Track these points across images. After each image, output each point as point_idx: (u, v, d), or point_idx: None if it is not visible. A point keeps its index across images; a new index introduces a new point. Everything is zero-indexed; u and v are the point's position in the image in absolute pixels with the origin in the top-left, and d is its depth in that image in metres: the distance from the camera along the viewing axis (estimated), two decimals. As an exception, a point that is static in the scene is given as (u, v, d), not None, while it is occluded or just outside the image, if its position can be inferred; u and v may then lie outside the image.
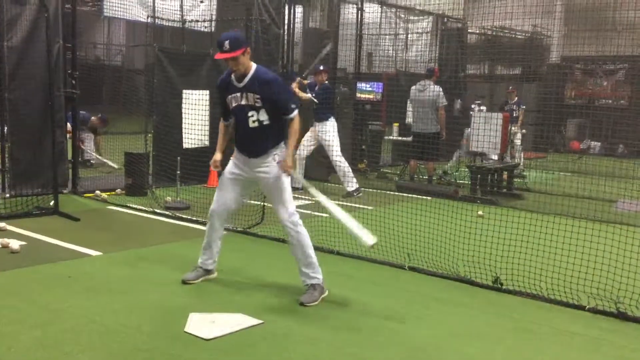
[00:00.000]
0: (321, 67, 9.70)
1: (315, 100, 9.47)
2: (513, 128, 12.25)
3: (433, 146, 10.14)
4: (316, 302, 4.70)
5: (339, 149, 9.51)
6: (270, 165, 4.75)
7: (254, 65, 4.76)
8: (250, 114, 4.72)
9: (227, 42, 4.55)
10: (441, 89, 10.43)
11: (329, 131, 9.48)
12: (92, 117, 11.52)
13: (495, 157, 10.62)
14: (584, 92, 19.31)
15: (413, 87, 10.69)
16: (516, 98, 12.88)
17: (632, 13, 12.37)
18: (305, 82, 9.90)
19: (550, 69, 18.76)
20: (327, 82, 9.76)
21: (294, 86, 9.76)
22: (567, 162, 13.13)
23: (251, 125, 4.74)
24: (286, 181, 4.78)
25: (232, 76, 4.77)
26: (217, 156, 5.05)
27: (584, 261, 5.24)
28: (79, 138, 9.32)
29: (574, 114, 18.01)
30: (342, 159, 9.53)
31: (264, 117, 4.71)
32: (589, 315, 4.75)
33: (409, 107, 11.40)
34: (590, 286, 4.97)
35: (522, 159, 12.69)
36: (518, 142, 12.53)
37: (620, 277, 4.99)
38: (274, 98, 4.68)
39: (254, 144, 4.79)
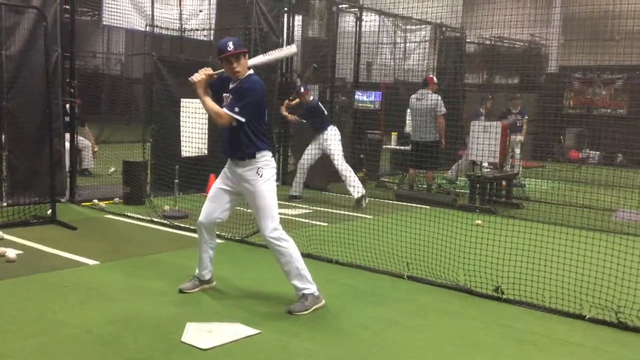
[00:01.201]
0: (302, 89, 9.73)
1: (303, 120, 9.59)
2: (518, 137, 12.25)
3: (432, 155, 10.13)
4: (307, 312, 4.66)
5: (341, 156, 9.49)
6: (255, 179, 4.73)
7: (249, 72, 4.78)
8: None
9: (230, 43, 4.67)
10: (440, 98, 10.43)
11: (330, 139, 9.49)
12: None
13: (486, 165, 10.61)
14: (582, 101, 19.34)
15: (412, 96, 10.70)
16: (519, 107, 12.77)
17: (630, 22, 12.40)
18: (294, 103, 9.89)
19: (549, 79, 18.80)
20: (312, 98, 9.80)
21: (283, 109, 9.80)
22: (566, 172, 13.11)
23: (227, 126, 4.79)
24: (270, 196, 4.74)
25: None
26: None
27: (584, 270, 5.21)
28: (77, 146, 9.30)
29: (573, 123, 18.02)
30: (346, 167, 9.50)
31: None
32: (589, 325, 4.72)
33: (408, 116, 11.40)
34: (593, 295, 4.94)
35: (520, 168, 12.67)
36: (518, 151, 12.49)
37: (620, 286, 4.96)
38: (235, 94, 4.70)
39: (231, 146, 4.78)
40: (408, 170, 11.07)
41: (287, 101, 9.93)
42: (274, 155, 4.97)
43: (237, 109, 4.62)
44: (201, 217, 5.00)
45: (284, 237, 4.74)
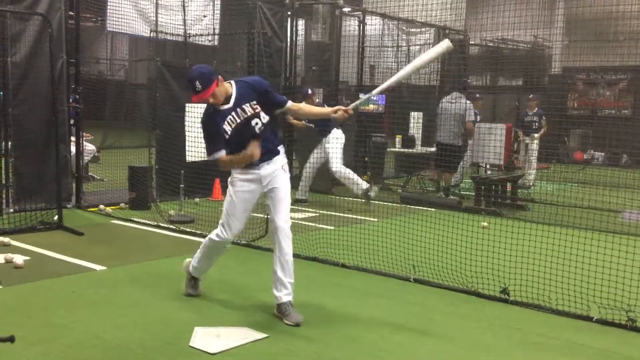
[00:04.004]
0: (309, 91, 9.68)
1: (310, 124, 9.47)
2: (528, 139, 12.30)
3: (453, 157, 10.06)
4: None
5: (339, 159, 9.46)
6: (282, 175, 4.70)
7: (232, 83, 4.63)
8: (254, 122, 4.56)
9: (197, 83, 4.38)
10: (472, 104, 10.41)
11: (331, 142, 9.50)
12: None
13: (488, 166, 10.61)
14: (586, 102, 19.31)
15: (444, 99, 10.65)
16: (536, 108, 12.75)
17: (633, 23, 12.38)
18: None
19: (552, 80, 18.78)
20: (317, 101, 9.74)
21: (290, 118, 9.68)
22: (571, 173, 13.09)
23: (258, 132, 4.59)
24: (289, 191, 4.77)
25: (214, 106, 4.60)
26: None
27: (590, 272, 5.20)
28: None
29: (577, 124, 18.00)
30: (342, 167, 9.47)
31: (265, 118, 4.60)
32: (597, 326, 4.71)
33: (411, 120, 11.40)
34: (600, 297, 4.93)
35: (534, 170, 12.77)
36: (534, 153, 12.55)
37: (629, 287, 4.95)
38: (268, 92, 4.62)
39: (264, 147, 4.59)
40: (431, 170, 10.98)
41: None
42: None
43: (284, 97, 4.69)
44: (231, 236, 4.83)
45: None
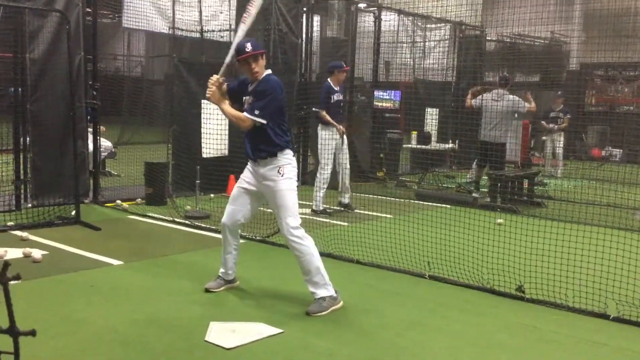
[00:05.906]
0: (343, 65, 8.95)
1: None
2: (555, 128, 12.57)
3: (498, 155, 9.86)
4: (324, 313, 4.65)
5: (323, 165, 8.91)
6: (276, 178, 4.73)
7: (266, 72, 4.80)
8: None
9: (249, 44, 4.70)
10: (516, 97, 10.18)
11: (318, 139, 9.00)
12: None
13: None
14: (604, 98, 19.11)
15: (487, 96, 10.30)
16: (562, 105, 13.03)
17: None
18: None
19: (570, 76, 18.61)
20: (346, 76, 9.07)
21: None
22: (589, 170, 13.01)
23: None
24: (291, 194, 4.74)
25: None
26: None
27: (610, 269, 5.16)
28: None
29: (595, 121, 17.83)
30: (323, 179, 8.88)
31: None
32: (614, 324, 4.67)
33: (427, 116, 11.33)
34: (619, 294, 4.89)
35: (559, 167, 12.94)
36: (560, 150, 12.83)
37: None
38: (257, 94, 4.70)
39: (252, 146, 4.79)
40: (476, 167, 10.87)
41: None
42: (294, 154, 4.98)
43: (257, 112, 4.65)
44: (224, 219, 5.03)
45: (305, 236, 4.74)
